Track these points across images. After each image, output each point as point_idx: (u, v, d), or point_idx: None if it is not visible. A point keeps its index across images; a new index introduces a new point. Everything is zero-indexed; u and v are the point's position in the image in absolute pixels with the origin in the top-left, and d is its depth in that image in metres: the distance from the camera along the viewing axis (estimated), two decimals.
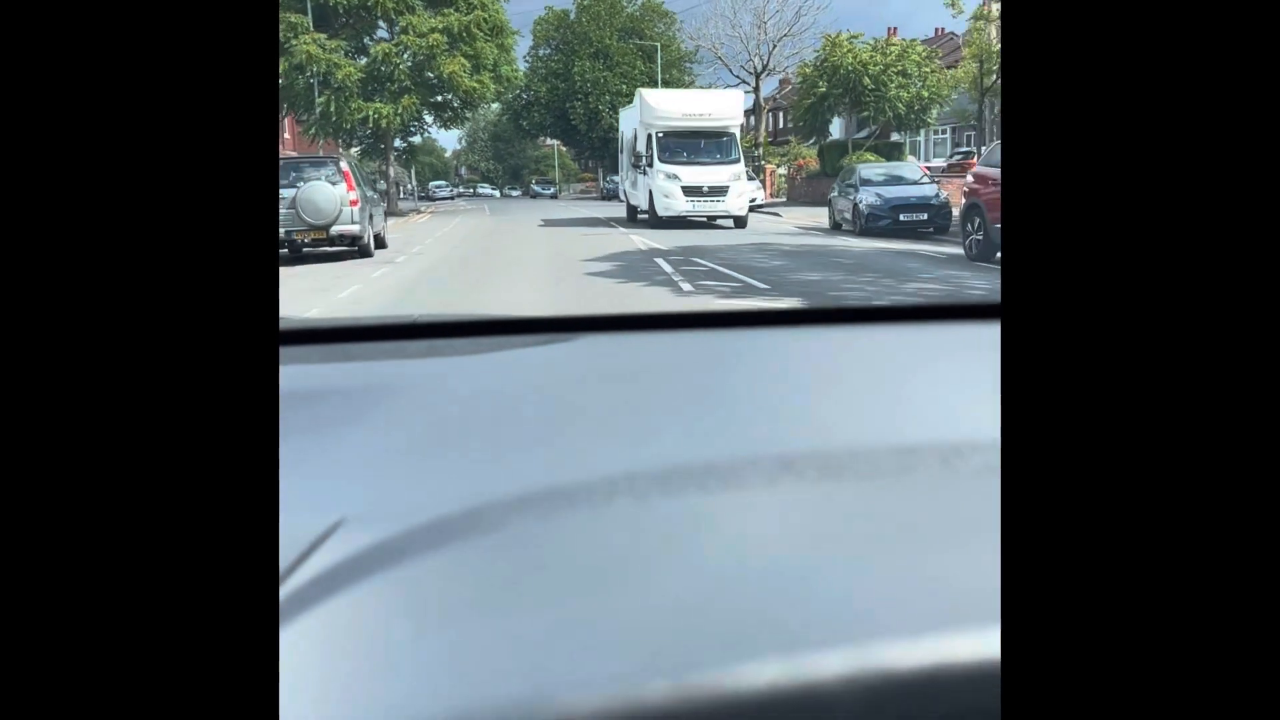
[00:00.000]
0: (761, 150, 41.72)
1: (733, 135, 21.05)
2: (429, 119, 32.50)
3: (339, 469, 0.69)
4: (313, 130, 27.87)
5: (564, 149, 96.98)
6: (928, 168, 21.79)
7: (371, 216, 14.98)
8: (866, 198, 16.67)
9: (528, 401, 0.85)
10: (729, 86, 41.63)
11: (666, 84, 51.98)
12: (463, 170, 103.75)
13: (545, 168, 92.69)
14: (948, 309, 1.23)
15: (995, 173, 11.36)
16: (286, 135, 33.96)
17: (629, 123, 23.14)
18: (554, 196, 45.47)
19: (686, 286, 9.65)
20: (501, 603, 0.44)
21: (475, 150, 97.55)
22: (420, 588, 0.47)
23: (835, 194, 18.82)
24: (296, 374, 0.92)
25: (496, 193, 75.70)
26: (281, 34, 16.52)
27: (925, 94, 33.13)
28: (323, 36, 26.51)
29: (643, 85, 56.61)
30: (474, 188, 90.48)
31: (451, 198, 59.07)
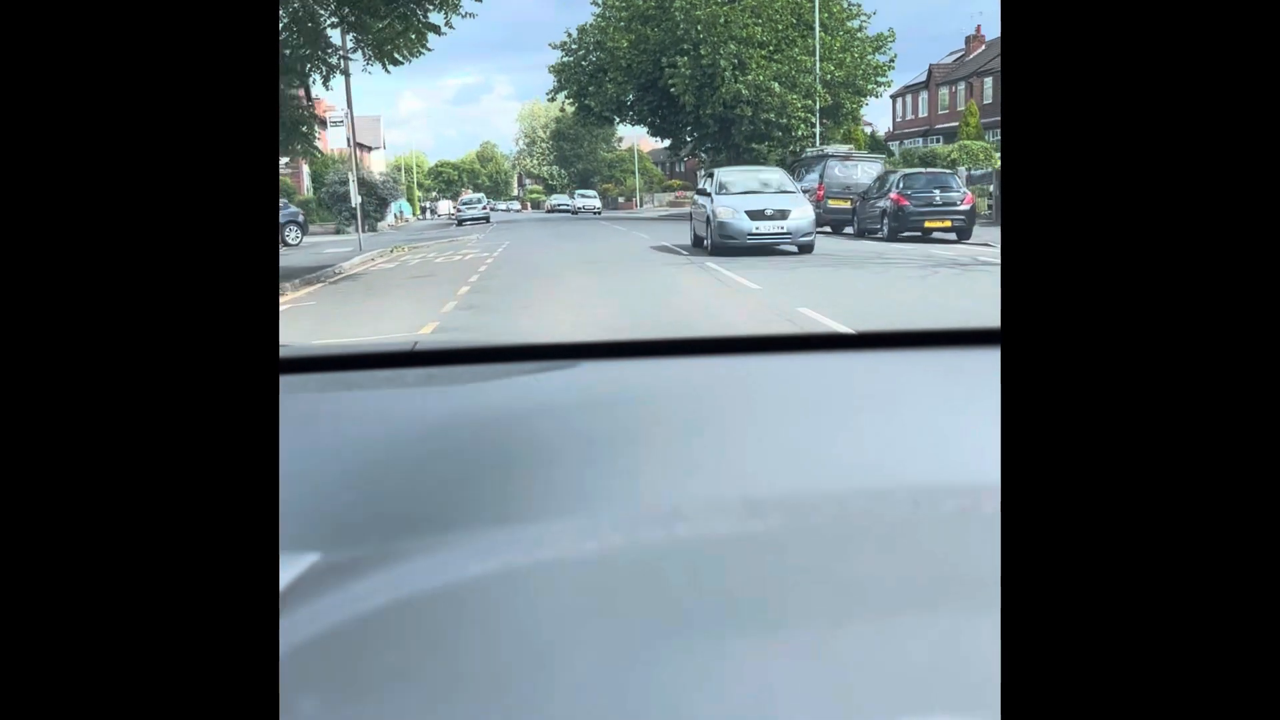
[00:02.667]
0: None
1: None
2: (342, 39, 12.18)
3: (325, 501, 0.69)
4: None
5: (645, 151, 77.72)
6: None
7: None
8: None
9: (521, 432, 0.85)
10: None
11: (824, 28, 31.17)
12: (527, 180, 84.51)
13: (621, 173, 73.17)
14: (947, 335, 1.19)
15: None
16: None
17: None
18: (762, 246, 12.78)
19: None
20: (474, 643, 0.44)
21: (534, 153, 77.99)
22: (392, 626, 0.47)
23: None
24: (291, 403, 0.93)
25: (574, 203, 51.02)
26: None
27: None
28: None
29: (789, 28, 35.31)
30: (530, 202, 70.94)
31: (483, 218, 39.26)
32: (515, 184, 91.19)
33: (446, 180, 72.80)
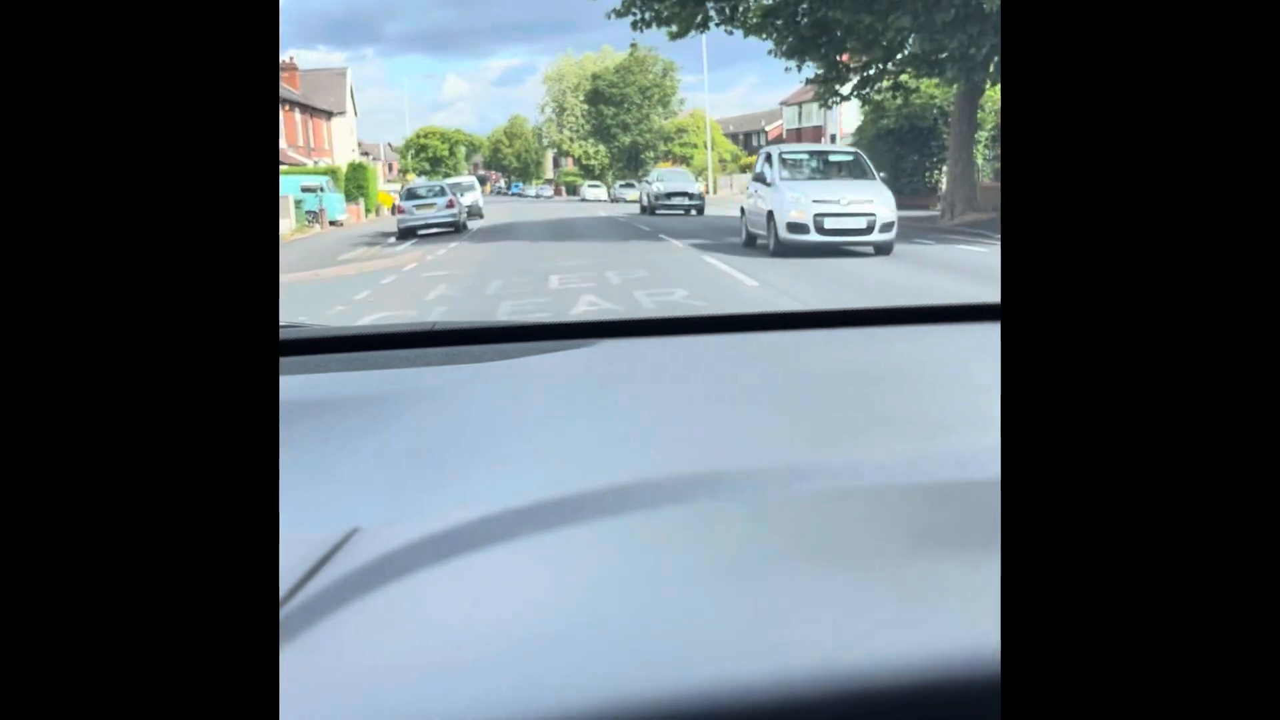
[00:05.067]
0: None
1: None
2: None
3: (356, 477, 0.71)
4: None
5: (714, 119, 57.98)
6: None
7: None
8: None
9: (543, 409, 0.89)
10: None
11: None
12: (563, 160, 65.73)
13: (683, 148, 54.14)
14: (950, 310, 1.24)
15: None
16: None
17: None
18: None
19: None
20: (504, 614, 0.44)
21: (564, 124, 58.77)
22: (428, 598, 0.48)
23: None
24: (316, 383, 0.97)
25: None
26: None
27: None
28: None
29: None
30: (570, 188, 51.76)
31: (449, 224, 20.39)
32: (549, 164, 72.78)
33: (432, 157, 53.14)
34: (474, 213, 27.82)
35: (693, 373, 1.02)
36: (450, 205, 20.64)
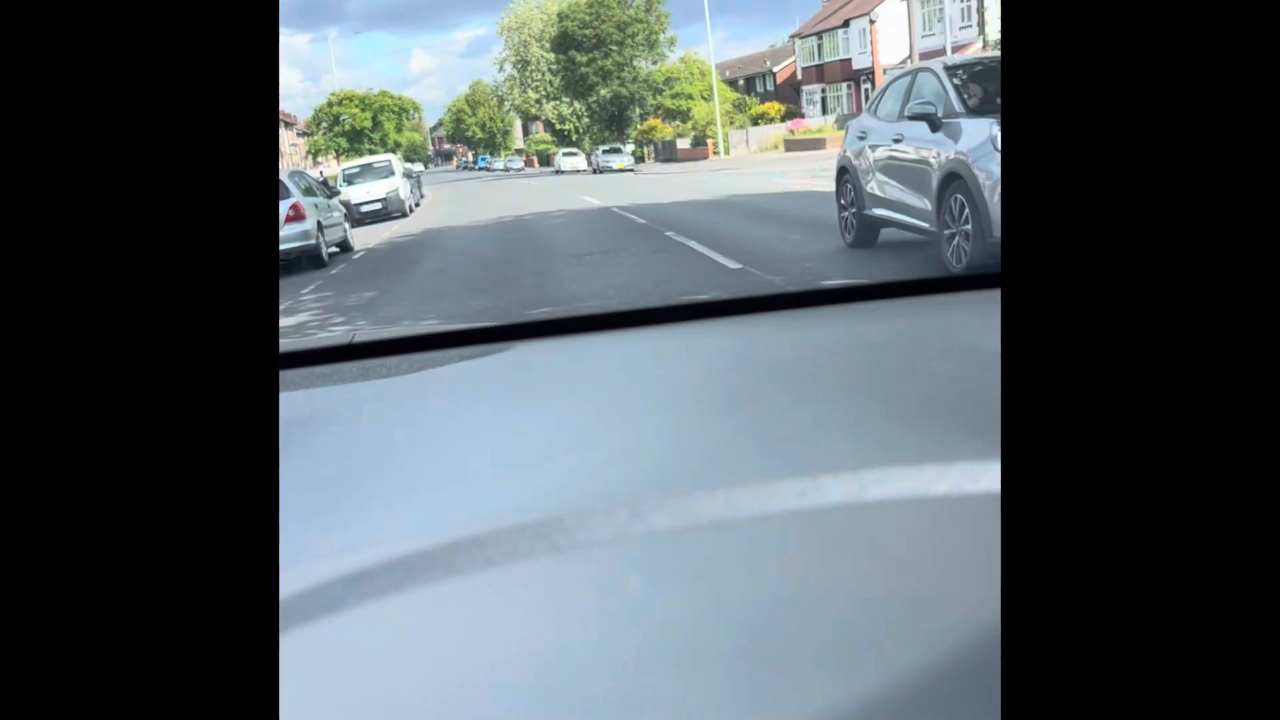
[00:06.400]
0: None
1: None
2: None
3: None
4: None
5: (717, 70, 47.34)
6: None
7: None
8: None
9: (447, 426, 0.83)
10: None
11: None
12: (534, 127, 56.01)
13: (675, 100, 43.97)
14: (936, 283, 1.16)
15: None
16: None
17: None
18: None
19: None
20: (372, 684, 0.42)
21: (529, 80, 48.29)
22: (330, 641, 0.45)
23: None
24: None
25: None
26: None
27: None
28: None
29: None
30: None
31: (295, 257, 10.61)
32: (518, 132, 62.99)
33: (350, 130, 42.17)
34: (390, 209, 18.17)
35: (621, 374, 0.93)
36: (296, 217, 10.83)
